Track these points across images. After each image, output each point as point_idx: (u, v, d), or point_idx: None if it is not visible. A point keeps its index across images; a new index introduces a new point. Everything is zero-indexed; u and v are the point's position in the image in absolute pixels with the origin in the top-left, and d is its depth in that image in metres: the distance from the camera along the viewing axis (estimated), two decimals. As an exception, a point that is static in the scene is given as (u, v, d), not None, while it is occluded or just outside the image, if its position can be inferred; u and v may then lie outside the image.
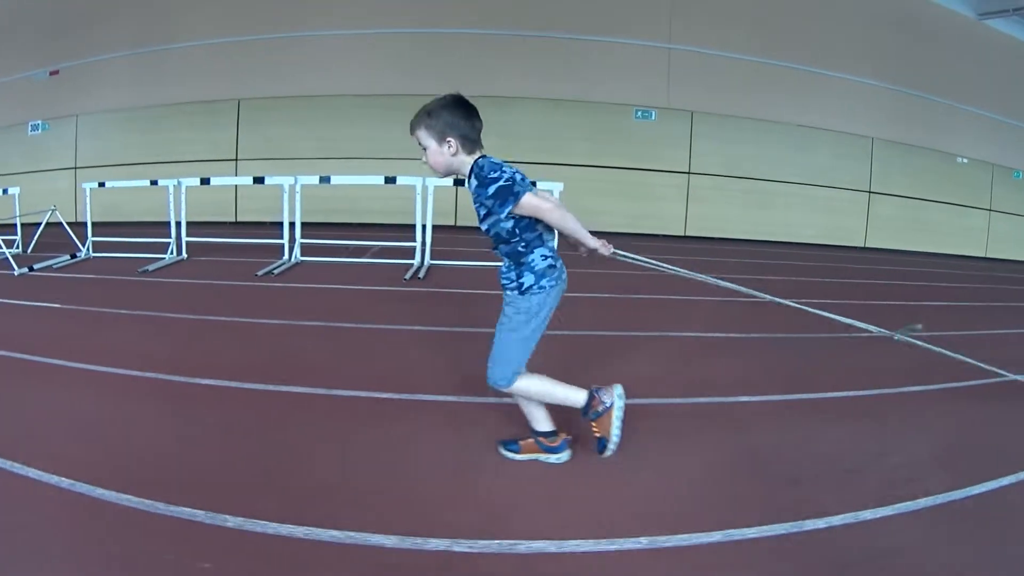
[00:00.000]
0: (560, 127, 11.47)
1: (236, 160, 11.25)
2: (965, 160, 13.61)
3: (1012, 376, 4.07)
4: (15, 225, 8.30)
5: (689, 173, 11.87)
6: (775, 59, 11.27)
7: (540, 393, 2.80)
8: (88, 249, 7.69)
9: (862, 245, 12.65)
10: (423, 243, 7.32)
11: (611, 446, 2.77)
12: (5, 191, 8.33)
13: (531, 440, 2.87)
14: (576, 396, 2.81)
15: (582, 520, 2.34)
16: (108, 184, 8.64)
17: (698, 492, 2.70)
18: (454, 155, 2.64)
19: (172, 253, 7.59)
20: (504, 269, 2.73)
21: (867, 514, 2.41)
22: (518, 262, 2.70)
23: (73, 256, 7.61)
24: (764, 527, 2.30)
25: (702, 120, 11.70)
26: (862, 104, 12.44)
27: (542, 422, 2.86)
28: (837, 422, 3.50)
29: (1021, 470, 2.84)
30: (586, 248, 2.70)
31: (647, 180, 11.64)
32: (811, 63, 11.52)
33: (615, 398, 2.85)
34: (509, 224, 2.64)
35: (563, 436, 2.88)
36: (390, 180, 7.65)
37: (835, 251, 11.80)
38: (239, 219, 11.08)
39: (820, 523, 2.33)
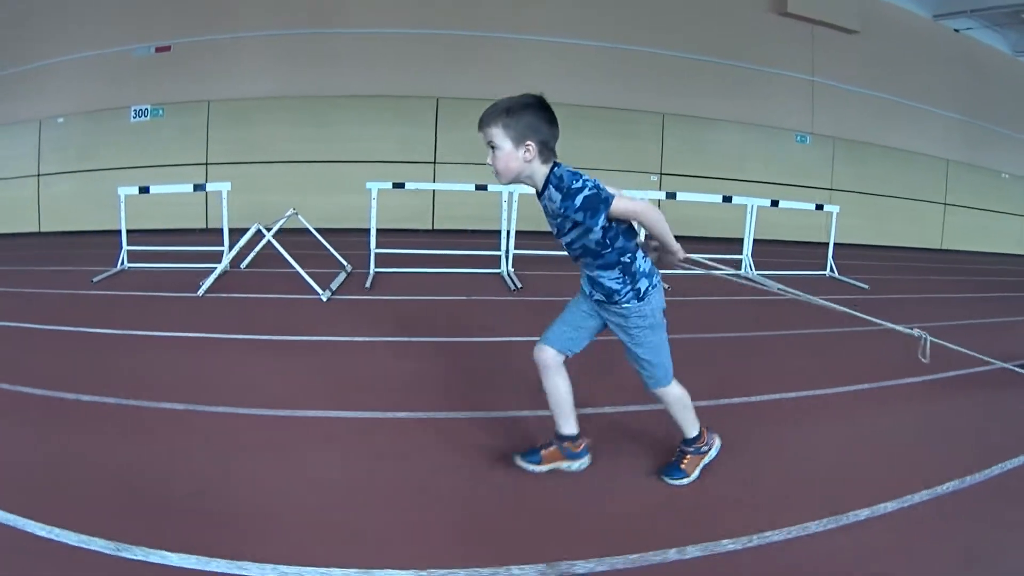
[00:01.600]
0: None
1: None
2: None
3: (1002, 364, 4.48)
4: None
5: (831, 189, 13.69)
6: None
7: (685, 406, 2.81)
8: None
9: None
10: (506, 250, 7.41)
11: (684, 482, 2.77)
12: (199, 186, 8.45)
13: (553, 448, 2.79)
14: (694, 422, 2.85)
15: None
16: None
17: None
18: (529, 161, 2.52)
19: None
20: (603, 280, 2.63)
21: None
22: (627, 271, 2.62)
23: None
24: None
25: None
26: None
27: (570, 425, 2.80)
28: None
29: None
30: (665, 250, 2.71)
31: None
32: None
33: (715, 447, 2.93)
34: (599, 235, 2.55)
35: (585, 441, 2.84)
36: (481, 187, 7.78)
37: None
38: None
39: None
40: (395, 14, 10.63)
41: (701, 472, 2.77)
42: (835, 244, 8.80)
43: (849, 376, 4.37)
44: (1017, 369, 4.39)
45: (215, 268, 6.29)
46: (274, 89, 10.64)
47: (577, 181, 2.47)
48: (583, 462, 2.78)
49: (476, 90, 10.20)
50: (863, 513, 2.56)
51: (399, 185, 7.54)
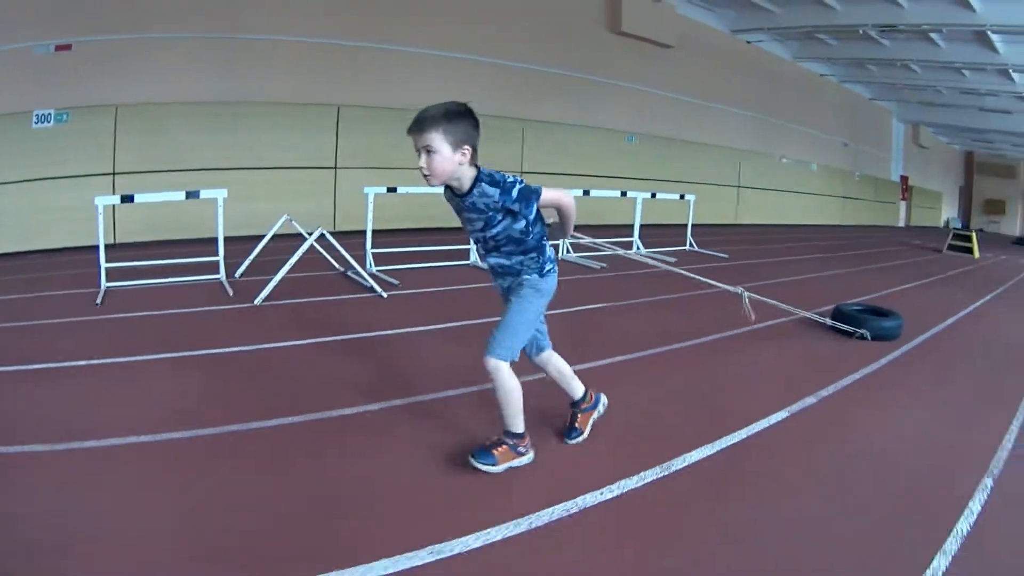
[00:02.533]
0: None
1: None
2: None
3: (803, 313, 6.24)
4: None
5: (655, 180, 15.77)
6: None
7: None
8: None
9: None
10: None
11: (581, 439, 3.27)
12: (192, 194, 7.33)
13: (504, 448, 2.98)
14: (578, 385, 3.33)
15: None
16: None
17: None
18: (461, 164, 2.77)
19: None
20: (521, 263, 2.99)
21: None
22: (538, 249, 3.00)
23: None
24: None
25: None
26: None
27: (518, 423, 3.01)
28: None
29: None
30: (562, 229, 3.15)
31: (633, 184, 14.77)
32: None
33: (601, 404, 3.47)
34: (523, 224, 2.91)
35: (527, 439, 3.07)
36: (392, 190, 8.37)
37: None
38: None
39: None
40: (301, 23, 10.76)
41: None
42: (657, 225, 11.04)
43: (694, 331, 5.82)
44: (817, 317, 6.23)
45: (210, 278, 6.76)
46: (184, 94, 10.06)
47: (509, 177, 2.82)
48: (530, 457, 3.04)
49: (373, 99, 11.24)
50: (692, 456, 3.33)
51: (392, 189, 8.18)
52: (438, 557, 2.38)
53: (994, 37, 15.52)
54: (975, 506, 3.05)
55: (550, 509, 2.72)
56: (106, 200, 6.44)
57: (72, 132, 9.15)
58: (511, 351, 2.92)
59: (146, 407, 3.59)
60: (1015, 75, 18.62)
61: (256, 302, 6.02)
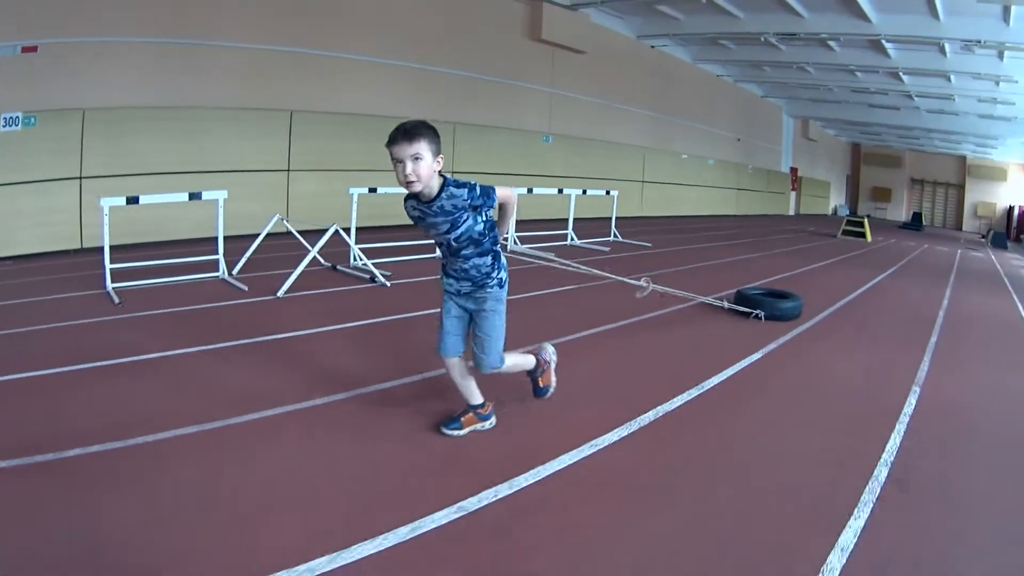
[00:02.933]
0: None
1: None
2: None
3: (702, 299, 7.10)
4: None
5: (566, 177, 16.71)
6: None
7: (517, 363, 3.61)
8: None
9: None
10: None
11: (552, 391, 3.67)
12: (194, 196, 7.66)
13: (470, 414, 3.55)
14: (530, 360, 3.72)
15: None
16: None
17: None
18: (436, 171, 3.13)
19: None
20: (478, 266, 3.33)
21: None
22: (494, 256, 3.37)
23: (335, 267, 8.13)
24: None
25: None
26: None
27: (477, 396, 3.57)
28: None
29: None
30: (505, 224, 3.58)
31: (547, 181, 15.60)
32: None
33: (551, 354, 3.88)
34: (481, 226, 3.28)
35: (490, 405, 3.63)
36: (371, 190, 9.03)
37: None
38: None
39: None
40: (254, 31, 10.96)
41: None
42: (572, 219, 12.25)
43: (604, 319, 6.38)
44: (714, 301, 7.06)
45: (208, 276, 7.07)
46: (150, 99, 10.06)
47: (466, 182, 3.21)
48: (492, 421, 3.60)
49: (320, 104, 11.81)
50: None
51: (372, 189, 8.75)
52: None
53: (888, 45, 17.36)
54: (911, 400, 4.71)
55: (524, 475, 3.15)
56: (112, 201, 6.60)
57: (39, 136, 9.00)
58: (500, 356, 3.44)
59: (245, 388, 4.09)
60: (905, 77, 20.64)
61: (279, 295, 6.52)
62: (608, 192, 13.56)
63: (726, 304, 6.99)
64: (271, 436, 3.47)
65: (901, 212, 42.81)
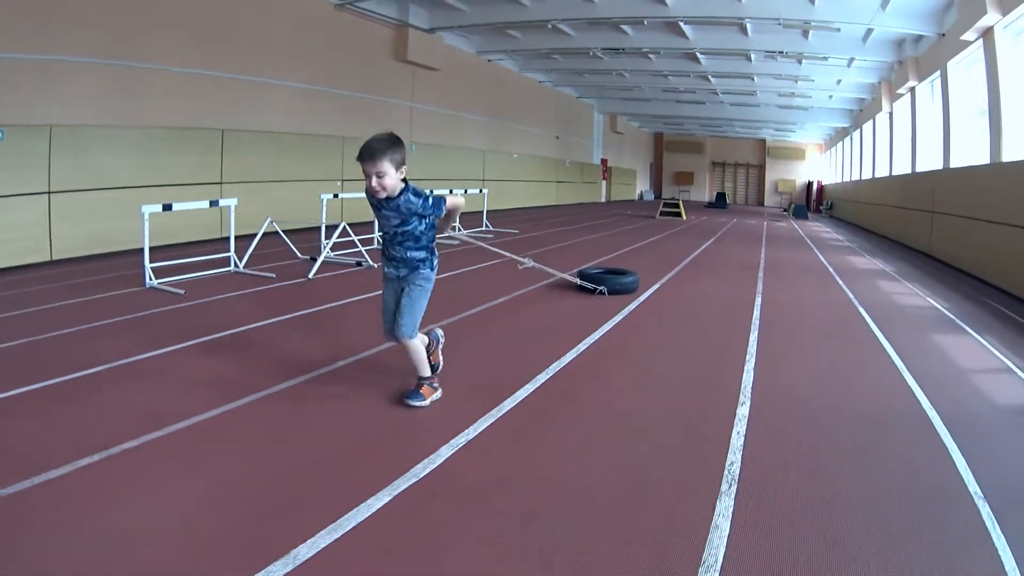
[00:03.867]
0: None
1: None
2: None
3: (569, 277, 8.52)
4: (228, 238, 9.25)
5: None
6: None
7: (419, 345, 4.10)
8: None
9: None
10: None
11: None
12: (214, 203, 9.41)
13: (424, 386, 4.06)
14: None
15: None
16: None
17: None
18: (399, 180, 3.75)
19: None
20: (414, 257, 3.97)
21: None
22: (429, 251, 4.03)
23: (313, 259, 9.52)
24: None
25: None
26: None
27: (426, 369, 4.11)
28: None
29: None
30: (449, 222, 4.40)
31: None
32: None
33: (440, 337, 4.59)
34: (423, 226, 3.96)
35: (435, 377, 4.23)
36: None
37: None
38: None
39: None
40: (193, 55, 12.11)
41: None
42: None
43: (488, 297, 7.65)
44: (575, 279, 8.19)
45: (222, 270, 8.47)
46: (105, 117, 10.74)
47: (423, 192, 3.86)
48: (440, 391, 4.12)
49: (246, 124, 13.26)
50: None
51: (335, 195, 11.14)
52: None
53: (701, 55, 21.16)
54: (758, 300, 7.89)
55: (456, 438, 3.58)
56: (151, 208, 7.83)
57: (7, 150, 9.28)
58: (415, 328, 4.01)
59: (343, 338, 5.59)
60: (713, 79, 24.79)
61: (310, 277, 8.42)
62: (481, 191, 16.59)
63: (587, 284, 8.03)
64: (379, 370, 4.76)
65: (704, 193, 47.99)
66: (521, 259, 7.61)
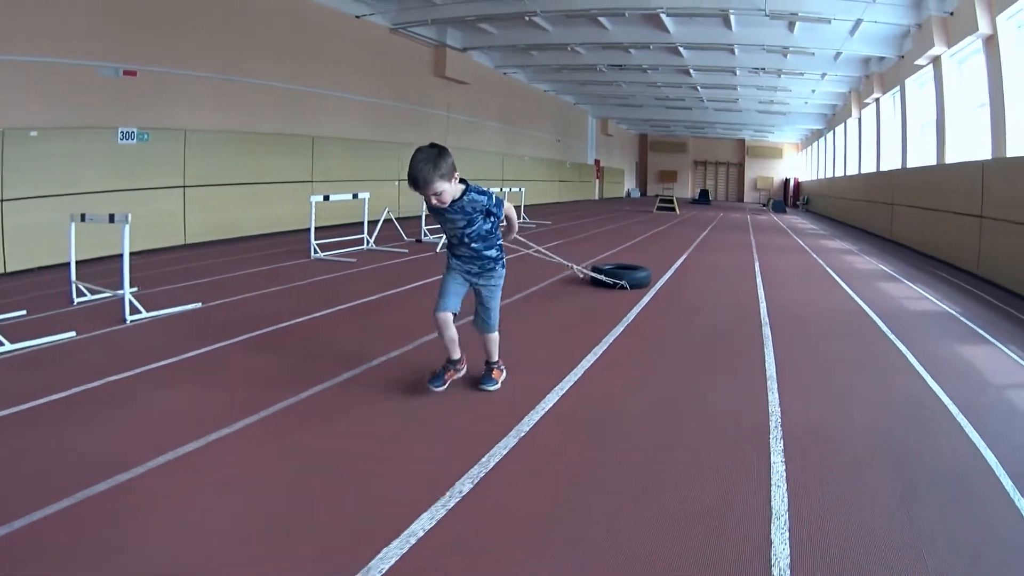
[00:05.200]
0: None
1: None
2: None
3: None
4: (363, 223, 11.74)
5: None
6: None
7: (496, 339, 4.37)
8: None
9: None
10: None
11: (495, 387, 4.29)
12: (356, 195, 11.42)
13: (494, 370, 4.35)
14: (496, 351, 4.40)
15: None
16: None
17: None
18: (455, 185, 3.80)
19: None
20: (484, 256, 4.06)
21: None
22: (498, 248, 4.13)
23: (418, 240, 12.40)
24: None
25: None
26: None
27: (457, 352, 4.22)
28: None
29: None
30: (509, 232, 4.34)
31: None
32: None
33: (504, 370, 4.54)
34: (489, 225, 4.02)
35: (464, 358, 4.30)
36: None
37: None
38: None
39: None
40: (285, 73, 14.28)
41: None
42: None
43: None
44: (573, 266, 9.13)
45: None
46: (223, 124, 12.61)
47: (485, 189, 3.99)
48: (464, 369, 4.29)
49: (326, 131, 15.52)
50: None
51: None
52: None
53: (693, 72, 24.03)
54: (757, 268, 10.70)
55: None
56: (316, 198, 10.56)
57: (151, 150, 10.91)
58: (497, 323, 4.30)
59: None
60: (702, 89, 27.65)
61: (438, 251, 11.00)
62: (521, 189, 19.42)
63: (609, 280, 8.26)
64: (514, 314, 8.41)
65: (687, 190, 50.54)
66: (576, 268, 8.35)
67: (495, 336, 4.29)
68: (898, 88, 18.46)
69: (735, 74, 23.95)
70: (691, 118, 38.91)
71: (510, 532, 2.59)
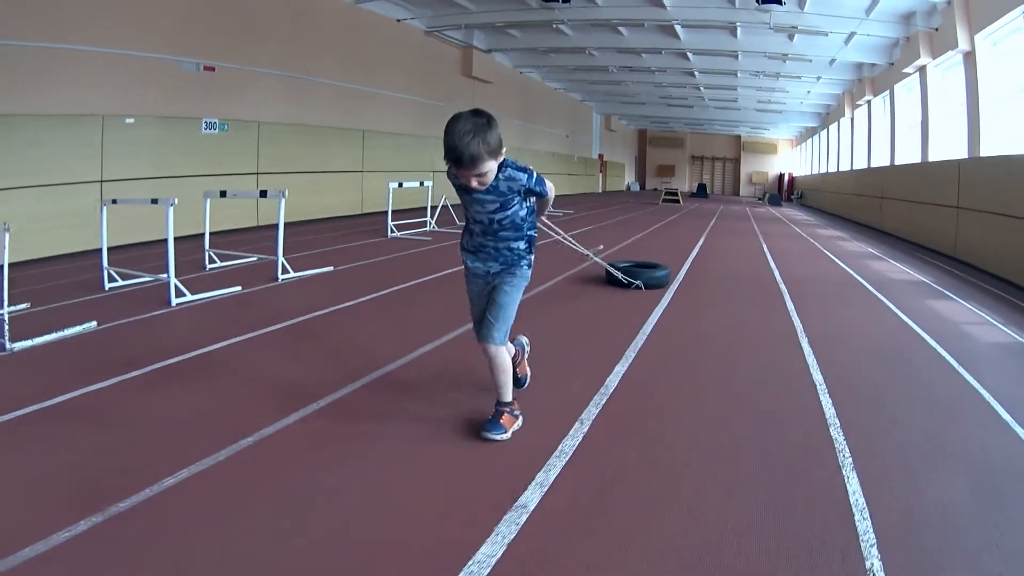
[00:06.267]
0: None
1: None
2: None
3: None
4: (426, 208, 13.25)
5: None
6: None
7: (507, 356, 3.37)
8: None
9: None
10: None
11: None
12: (422, 183, 12.82)
13: (505, 414, 3.31)
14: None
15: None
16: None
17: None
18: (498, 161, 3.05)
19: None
20: (514, 249, 3.31)
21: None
22: (529, 241, 3.34)
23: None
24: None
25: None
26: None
27: (509, 393, 3.35)
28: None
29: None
30: (542, 213, 3.60)
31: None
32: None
33: (526, 345, 3.95)
34: (525, 211, 3.28)
35: (516, 402, 3.42)
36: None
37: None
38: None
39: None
40: (340, 72, 15.34)
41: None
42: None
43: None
44: (592, 256, 9.44)
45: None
46: (288, 117, 14.07)
47: (523, 164, 3.22)
48: (522, 419, 3.40)
49: (373, 125, 16.93)
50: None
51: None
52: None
53: (698, 74, 25.67)
54: (765, 248, 12.49)
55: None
56: (393, 184, 12.09)
57: (229, 139, 12.33)
58: (506, 333, 3.30)
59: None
60: (704, 90, 29.47)
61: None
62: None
63: (631, 282, 7.63)
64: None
65: (684, 184, 51.62)
66: (590, 253, 7.82)
67: (502, 355, 3.32)
68: (888, 92, 20.11)
69: (736, 76, 25.52)
70: (691, 115, 40.44)
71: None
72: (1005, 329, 6.48)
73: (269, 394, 3.83)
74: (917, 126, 17.32)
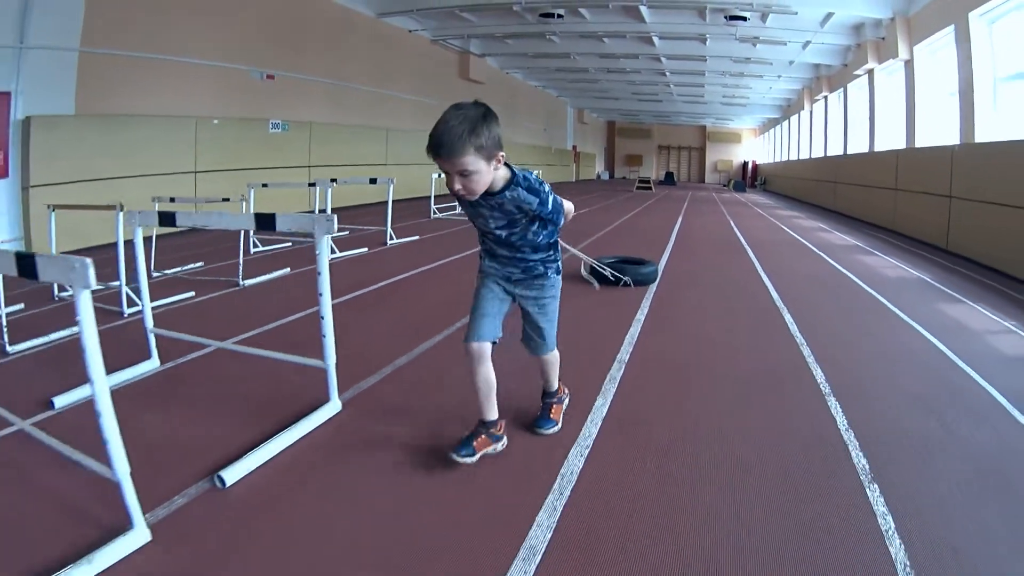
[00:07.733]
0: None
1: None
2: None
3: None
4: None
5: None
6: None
7: (557, 355, 3.20)
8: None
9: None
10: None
11: (555, 430, 3.20)
12: (439, 175, 12.68)
13: (482, 437, 2.92)
14: (556, 379, 3.31)
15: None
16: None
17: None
18: (496, 170, 2.57)
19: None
20: (531, 260, 2.90)
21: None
22: (552, 247, 2.95)
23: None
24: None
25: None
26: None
27: (493, 411, 2.96)
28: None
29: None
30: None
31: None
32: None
33: (567, 396, 3.49)
34: (541, 238, 2.87)
35: (502, 424, 3.03)
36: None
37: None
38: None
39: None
40: (365, 76, 16.54)
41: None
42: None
43: None
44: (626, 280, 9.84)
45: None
46: (330, 118, 16.17)
47: (545, 186, 2.70)
48: (504, 442, 3.00)
49: (391, 124, 19.23)
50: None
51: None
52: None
53: (668, 73, 27.70)
54: (734, 227, 14.85)
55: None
56: (434, 173, 15.14)
57: (289, 137, 14.55)
58: (555, 341, 3.11)
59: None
60: (673, 87, 31.67)
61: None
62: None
63: (624, 280, 7.28)
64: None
65: (651, 173, 53.23)
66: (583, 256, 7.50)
67: (555, 356, 3.21)
68: (842, 89, 22.45)
69: (704, 75, 27.60)
70: (659, 108, 42.30)
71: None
72: (898, 263, 9.06)
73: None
74: (865, 121, 19.69)
